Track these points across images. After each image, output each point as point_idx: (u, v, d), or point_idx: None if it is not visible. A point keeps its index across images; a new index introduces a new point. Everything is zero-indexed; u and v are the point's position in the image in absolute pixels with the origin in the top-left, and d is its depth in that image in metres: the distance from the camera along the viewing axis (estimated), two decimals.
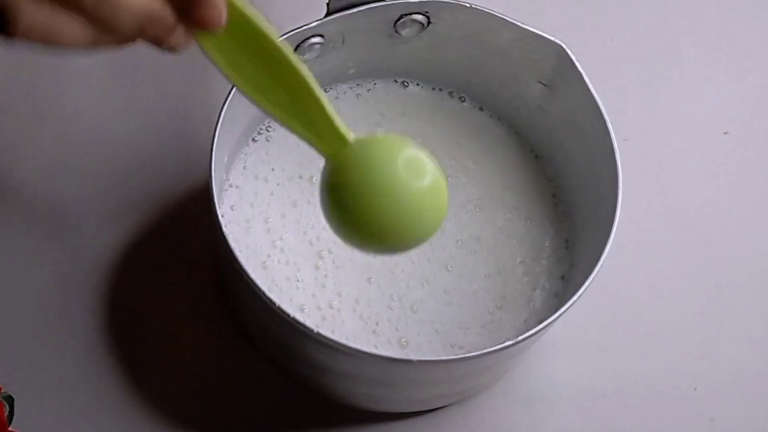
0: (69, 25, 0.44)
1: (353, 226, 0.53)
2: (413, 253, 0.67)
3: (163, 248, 0.69)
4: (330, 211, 0.53)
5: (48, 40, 0.44)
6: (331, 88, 0.70)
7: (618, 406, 0.68)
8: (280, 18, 0.75)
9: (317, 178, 0.67)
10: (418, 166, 0.53)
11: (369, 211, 0.52)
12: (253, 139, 0.68)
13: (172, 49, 0.47)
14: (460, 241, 0.67)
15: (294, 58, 0.49)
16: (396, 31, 0.65)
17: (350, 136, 0.51)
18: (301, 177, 0.68)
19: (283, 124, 0.52)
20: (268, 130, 0.69)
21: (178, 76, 0.74)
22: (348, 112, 0.69)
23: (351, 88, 0.70)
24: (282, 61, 0.49)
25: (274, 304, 0.57)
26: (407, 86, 0.71)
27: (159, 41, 0.46)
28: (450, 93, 0.71)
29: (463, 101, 0.71)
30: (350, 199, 0.52)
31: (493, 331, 0.65)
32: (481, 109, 0.71)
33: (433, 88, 0.71)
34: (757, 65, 0.79)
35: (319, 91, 0.50)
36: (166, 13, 0.45)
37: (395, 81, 0.71)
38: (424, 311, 0.65)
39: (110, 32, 0.45)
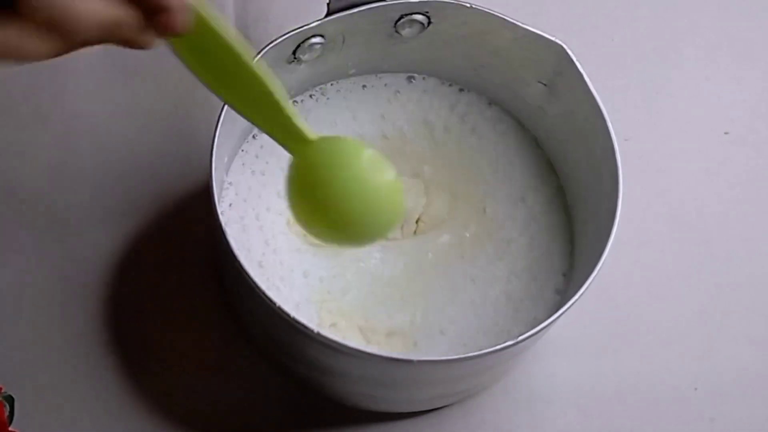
0: (30, 40, 0.44)
1: (314, 217, 0.56)
2: (412, 253, 0.67)
3: (163, 248, 0.69)
4: (292, 202, 0.56)
5: (7, 56, 0.44)
6: (334, 83, 0.70)
7: (618, 406, 0.68)
8: (281, 18, 0.76)
9: None
10: (376, 165, 0.55)
11: (328, 203, 0.55)
12: (254, 137, 0.68)
13: (141, 48, 0.48)
14: (460, 242, 0.67)
15: (253, 63, 0.51)
16: (396, 31, 0.65)
17: (311, 134, 0.53)
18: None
19: (250, 120, 0.54)
20: None
21: (178, 76, 0.74)
22: (351, 105, 0.70)
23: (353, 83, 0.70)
24: (243, 67, 0.51)
25: (274, 304, 0.57)
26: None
27: (127, 44, 0.47)
28: (460, 89, 0.71)
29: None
30: (311, 193, 0.55)
31: (494, 331, 0.65)
32: (489, 104, 0.71)
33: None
34: (757, 65, 0.79)
35: (279, 95, 0.52)
36: (132, 18, 0.46)
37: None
38: (424, 311, 0.65)
39: (75, 42, 0.45)
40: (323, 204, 0.55)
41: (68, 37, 0.44)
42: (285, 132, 0.53)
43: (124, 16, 0.45)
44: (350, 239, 0.58)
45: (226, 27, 0.50)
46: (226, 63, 0.51)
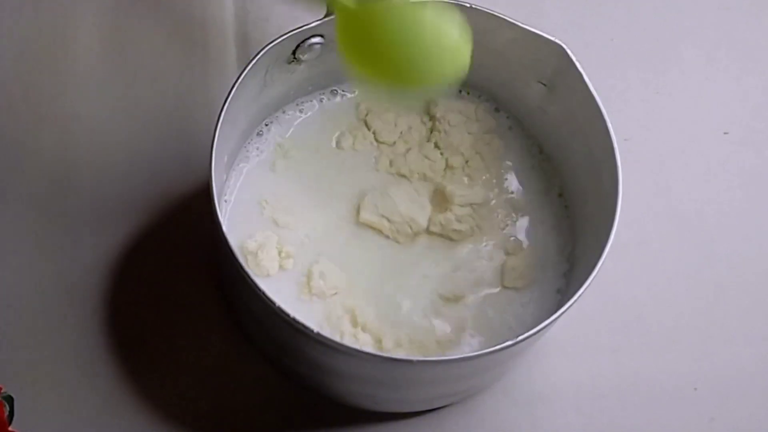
0: None
1: (371, 62, 0.55)
2: (412, 253, 0.67)
3: (163, 248, 0.69)
4: (347, 46, 0.55)
5: None
6: (334, 87, 0.70)
7: (618, 406, 0.68)
8: (281, 18, 0.76)
9: (319, 177, 0.68)
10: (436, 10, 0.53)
11: (386, 42, 0.54)
12: (255, 136, 0.68)
13: None
14: (460, 242, 0.67)
15: None
16: None
17: None
18: (300, 176, 0.68)
19: None
20: (267, 130, 0.69)
21: (178, 76, 0.74)
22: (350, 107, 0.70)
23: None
24: None
25: (274, 304, 0.57)
26: None
27: None
28: (459, 90, 0.71)
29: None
30: (367, 34, 0.54)
31: (493, 331, 0.65)
32: (496, 110, 0.71)
33: None
34: (757, 65, 0.79)
35: None
36: None
37: None
38: (425, 311, 0.65)
39: None
40: (380, 43, 0.53)
41: None
42: None
43: None
44: (409, 80, 0.55)
45: None
46: None
